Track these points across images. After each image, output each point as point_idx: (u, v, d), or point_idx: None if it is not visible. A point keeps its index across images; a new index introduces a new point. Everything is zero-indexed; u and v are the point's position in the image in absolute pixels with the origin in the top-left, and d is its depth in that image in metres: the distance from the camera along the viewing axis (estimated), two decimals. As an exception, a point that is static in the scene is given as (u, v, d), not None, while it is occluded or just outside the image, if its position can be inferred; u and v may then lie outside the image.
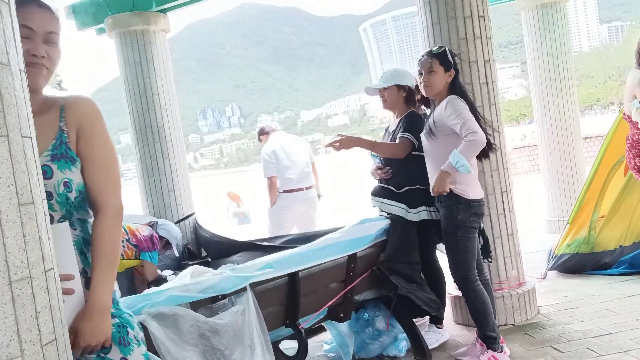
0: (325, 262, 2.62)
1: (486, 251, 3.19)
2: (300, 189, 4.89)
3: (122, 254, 3.05)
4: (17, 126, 1.07)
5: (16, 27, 1.12)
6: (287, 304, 2.48)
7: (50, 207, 1.41)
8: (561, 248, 4.61)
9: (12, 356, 0.99)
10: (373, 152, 3.33)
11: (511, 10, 6.65)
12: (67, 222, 1.44)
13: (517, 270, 3.63)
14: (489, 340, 2.90)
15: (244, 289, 2.15)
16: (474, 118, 2.85)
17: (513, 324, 3.51)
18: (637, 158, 4.04)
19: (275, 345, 2.50)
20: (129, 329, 1.49)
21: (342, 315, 2.86)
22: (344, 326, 3.11)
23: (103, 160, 1.50)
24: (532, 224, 6.54)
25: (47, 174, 1.41)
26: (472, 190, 2.94)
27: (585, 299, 3.86)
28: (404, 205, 3.16)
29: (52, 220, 1.42)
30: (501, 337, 2.98)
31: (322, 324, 3.01)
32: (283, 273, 2.39)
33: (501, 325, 3.41)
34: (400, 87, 3.34)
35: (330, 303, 2.74)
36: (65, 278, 1.39)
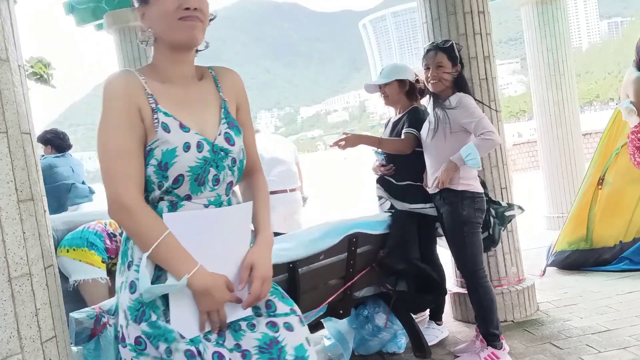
0: (326, 250, 2.61)
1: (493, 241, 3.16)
2: (284, 191, 4.47)
3: (110, 256, 3.02)
4: (16, 122, 1.07)
5: (15, 23, 1.11)
6: (287, 301, 2.48)
7: (232, 172, 1.46)
8: (561, 244, 4.61)
9: (12, 353, 0.99)
10: (378, 149, 3.31)
11: (511, 6, 6.65)
12: (251, 202, 1.49)
13: (516, 266, 3.63)
14: (491, 337, 2.90)
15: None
16: (486, 117, 2.85)
17: (512, 321, 3.51)
18: (637, 153, 4.05)
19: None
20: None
21: (341, 311, 2.86)
22: (343, 323, 3.11)
23: (252, 129, 1.61)
24: (531, 220, 6.53)
25: (230, 141, 1.44)
26: (476, 183, 2.95)
27: (585, 295, 3.86)
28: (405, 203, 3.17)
29: (232, 186, 1.48)
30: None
31: (321, 321, 3.00)
32: (283, 261, 2.35)
33: (500, 322, 3.41)
34: (401, 82, 3.33)
35: (329, 299, 2.73)
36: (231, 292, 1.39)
